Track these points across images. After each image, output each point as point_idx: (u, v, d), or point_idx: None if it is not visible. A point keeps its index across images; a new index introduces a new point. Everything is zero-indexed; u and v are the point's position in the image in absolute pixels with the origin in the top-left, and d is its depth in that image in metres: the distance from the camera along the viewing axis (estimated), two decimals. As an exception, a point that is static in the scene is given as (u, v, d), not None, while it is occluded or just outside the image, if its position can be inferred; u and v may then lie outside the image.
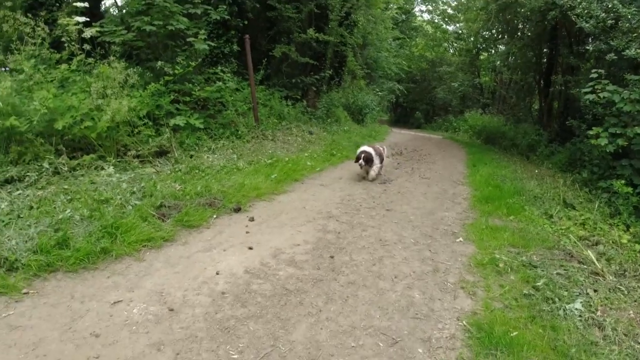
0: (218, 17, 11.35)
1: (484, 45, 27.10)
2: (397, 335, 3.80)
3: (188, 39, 9.69)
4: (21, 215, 4.85)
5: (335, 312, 4.09)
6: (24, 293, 3.88)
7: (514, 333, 3.86)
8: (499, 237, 6.26)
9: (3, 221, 4.65)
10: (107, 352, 3.22)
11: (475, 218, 7.35)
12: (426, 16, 38.29)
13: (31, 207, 5.06)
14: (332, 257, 5.27)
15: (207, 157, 8.47)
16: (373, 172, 9.38)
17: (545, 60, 17.82)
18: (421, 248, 5.80)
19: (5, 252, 4.13)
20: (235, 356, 3.32)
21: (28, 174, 5.74)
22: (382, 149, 10.03)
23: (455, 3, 32.10)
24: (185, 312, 3.82)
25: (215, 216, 6.05)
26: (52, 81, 6.67)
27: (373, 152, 9.13)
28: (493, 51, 26.57)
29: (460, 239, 6.28)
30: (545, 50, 17.58)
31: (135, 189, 6.05)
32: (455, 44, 34.24)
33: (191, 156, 8.27)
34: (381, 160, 9.66)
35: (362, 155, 8.98)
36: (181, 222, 5.61)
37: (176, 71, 8.87)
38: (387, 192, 8.67)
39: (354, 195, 8.18)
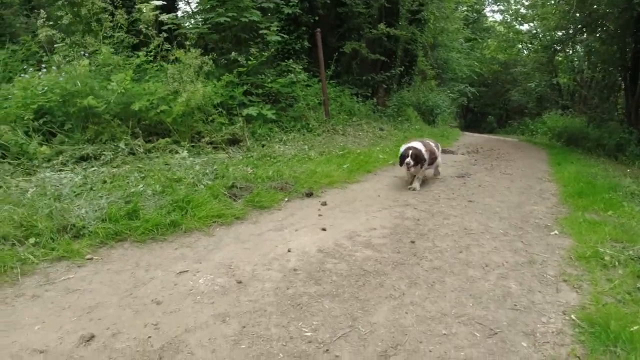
0: (290, 12, 11.26)
1: (560, 46, 25.24)
2: (495, 326, 3.25)
3: (260, 32, 9.62)
4: (94, 188, 4.82)
5: (421, 297, 3.62)
6: (88, 259, 3.78)
7: (634, 327, 3.20)
8: (599, 231, 5.52)
9: (75, 192, 4.63)
10: (167, 320, 2.96)
11: (569, 212, 6.58)
12: (498, 17, 36.46)
13: (104, 182, 5.04)
14: (412, 242, 4.82)
15: (278, 147, 8.28)
16: (420, 177, 7.24)
17: (630, 54, 16.16)
18: (512, 239, 5.16)
19: (73, 219, 4.06)
20: (308, 333, 2.94)
21: (104, 152, 5.77)
22: (434, 145, 7.72)
23: (528, 2, 30.19)
24: (254, 285, 3.50)
25: (286, 199, 5.78)
26: (129, 65, 6.75)
27: (423, 149, 6.97)
28: (571, 51, 24.69)
29: (555, 232, 5.58)
30: (630, 43, 15.95)
31: (207, 171, 5.95)
32: (530, 45, 32.25)
33: (263, 145, 8.12)
34: (432, 161, 7.45)
35: (410, 152, 6.72)
36: (252, 202, 5.40)
37: (249, 62, 8.79)
38: (466, 185, 8.01)
39: (430, 187, 7.63)
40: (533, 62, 28.73)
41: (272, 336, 2.86)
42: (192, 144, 7.02)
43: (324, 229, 4.91)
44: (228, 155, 6.96)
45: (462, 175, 8.95)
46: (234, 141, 7.85)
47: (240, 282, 3.51)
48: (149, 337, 2.76)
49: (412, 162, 6.67)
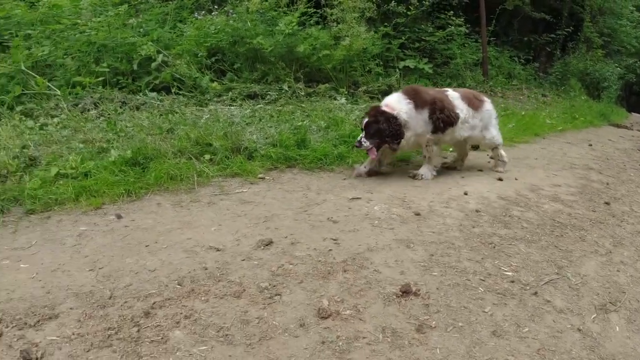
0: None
1: None
2: None
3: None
4: (262, 120, 4.86)
5: (631, 259, 3.04)
6: (260, 177, 3.78)
7: None
8: None
9: (245, 121, 4.71)
10: (347, 237, 2.77)
11: None
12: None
13: (271, 116, 5.07)
14: (607, 203, 4.18)
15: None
16: (429, 154, 4.22)
17: None
18: None
19: (246, 142, 4.09)
20: (509, 273, 2.52)
21: (269, 92, 5.85)
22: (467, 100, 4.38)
23: None
24: (434, 219, 3.16)
25: (451, 149, 5.30)
26: (295, 11, 6.73)
27: (460, 100, 4.28)
28: None
29: None
30: None
31: (365, 116, 5.71)
32: None
33: (419, 99, 7.65)
34: (483, 126, 4.51)
35: (367, 119, 3.93)
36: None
37: (410, 12, 8.29)
38: (656, 158, 6.76)
39: (611, 155, 6.62)
40: None
41: (466, 269, 2.51)
42: (349, 92, 6.84)
43: (499, 179, 4.39)
44: (385, 105, 6.66)
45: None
46: (389, 93, 7.51)
47: (418, 214, 3.19)
48: (330, 249, 2.58)
49: (365, 142, 3.88)
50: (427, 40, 8.99)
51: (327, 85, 6.52)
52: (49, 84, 5.07)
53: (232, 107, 5.29)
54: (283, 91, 5.99)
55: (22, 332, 1.89)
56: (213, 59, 5.97)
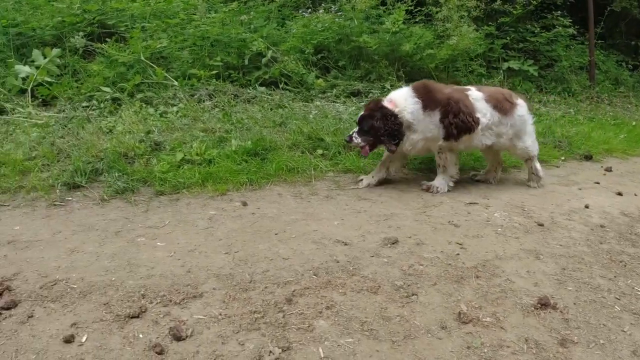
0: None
1: None
2: None
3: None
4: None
5: None
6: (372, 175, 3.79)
7: None
8: None
9: (352, 119, 4.76)
10: (471, 243, 2.74)
11: None
12: None
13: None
14: None
15: (538, 107, 7.38)
16: (443, 163, 3.72)
17: None
18: None
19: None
20: (647, 294, 2.36)
21: (371, 90, 5.88)
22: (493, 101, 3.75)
23: None
24: (559, 231, 3.03)
25: (563, 158, 5.06)
26: (398, 9, 6.69)
27: (483, 102, 3.68)
28: None
29: None
30: None
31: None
32: None
33: (522, 103, 7.35)
34: (514, 134, 3.83)
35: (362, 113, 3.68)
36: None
37: (515, 12, 7.96)
38: None
39: None
40: None
41: (600, 286, 2.39)
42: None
43: (619, 194, 4.10)
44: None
45: None
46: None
47: (541, 225, 3.08)
48: (457, 254, 2.56)
49: (357, 138, 3.59)
50: (531, 41, 8.58)
51: (428, 85, 6.43)
52: (166, 75, 5.44)
53: (337, 104, 5.38)
54: (385, 90, 5.98)
55: (167, 309, 2.03)
56: (319, 56, 6.10)
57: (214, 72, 5.52)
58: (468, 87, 3.88)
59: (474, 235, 2.83)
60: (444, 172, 3.67)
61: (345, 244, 2.62)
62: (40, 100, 5.23)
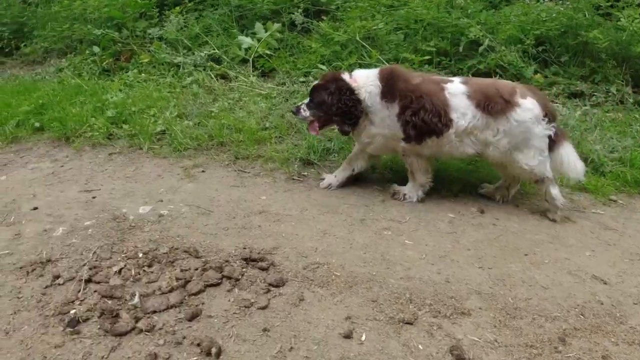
0: None
1: None
2: None
3: None
4: (597, 126, 4.43)
5: None
6: (611, 199, 3.45)
7: None
8: None
9: (581, 126, 4.35)
10: None
11: None
12: None
13: (603, 123, 4.57)
14: None
15: None
16: (413, 167, 3.25)
17: None
18: None
19: (593, 154, 3.76)
20: None
21: (595, 93, 5.26)
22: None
23: None
24: None
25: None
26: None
27: (464, 98, 2.99)
28: None
29: None
30: None
31: None
32: None
33: None
34: (513, 145, 3.00)
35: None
36: None
37: None
38: None
39: None
40: None
41: None
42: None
43: None
44: None
45: None
46: None
47: None
48: None
49: (305, 110, 3.19)
50: None
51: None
52: (379, 57, 5.49)
53: (556, 104, 4.92)
54: (610, 94, 5.31)
55: (438, 321, 2.06)
56: (540, 48, 5.61)
57: (426, 57, 5.42)
58: (452, 78, 3.24)
59: None
60: (413, 180, 3.22)
61: (605, 283, 2.44)
62: (260, 71, 5.72)
